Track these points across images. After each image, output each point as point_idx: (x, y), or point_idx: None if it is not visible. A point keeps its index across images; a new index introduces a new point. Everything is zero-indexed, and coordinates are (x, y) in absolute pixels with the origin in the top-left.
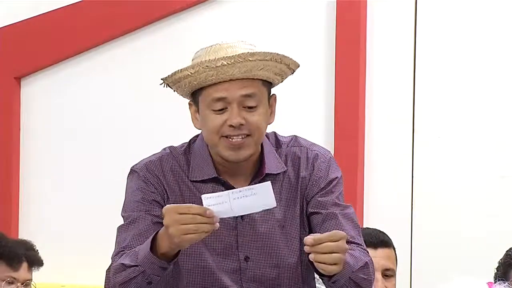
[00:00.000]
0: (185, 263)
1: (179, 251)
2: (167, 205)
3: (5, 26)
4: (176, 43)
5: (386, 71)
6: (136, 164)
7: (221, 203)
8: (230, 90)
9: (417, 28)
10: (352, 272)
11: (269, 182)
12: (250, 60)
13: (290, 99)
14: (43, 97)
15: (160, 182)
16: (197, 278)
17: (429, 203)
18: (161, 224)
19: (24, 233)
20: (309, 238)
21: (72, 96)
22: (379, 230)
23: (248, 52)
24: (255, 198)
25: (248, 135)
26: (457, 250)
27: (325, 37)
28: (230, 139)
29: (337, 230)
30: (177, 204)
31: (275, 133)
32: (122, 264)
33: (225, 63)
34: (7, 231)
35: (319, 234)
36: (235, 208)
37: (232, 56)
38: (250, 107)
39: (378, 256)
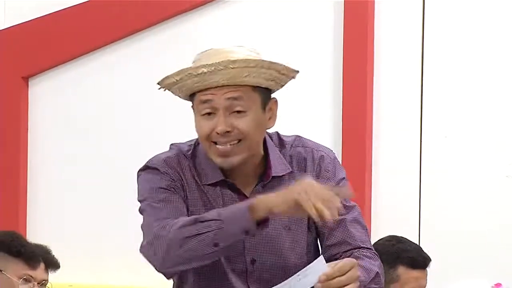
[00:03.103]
0: None
1: (264, 222)
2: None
3: (13, 26)
4: (184, 43)
5: (394, 72)
6: (152, 160)
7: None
8: (216, 94)
9: (425, 28)
10: (364, 286)
11: (321, 257)
12: (231, 68)
13: (297, 100)
14: (51, 97)
15: (181, 178)
16: (205, 277)
17: (436, 203)
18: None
19: (32, 233)
20: (322, 276)
21: (80, 96)
22: (421, 248)
23: (228, 60)
24: (314, 274)
25: (239, 140)
26: (465, 250)
27: (332, 37)
28: (218, 147)
29: (348, 259)
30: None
31: (277, 133)
32: (195, 219)
33: (205, 71)
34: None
35: (329, 268)
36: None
37: (212, 63)
38: (239, 112)
39: (423, 277)
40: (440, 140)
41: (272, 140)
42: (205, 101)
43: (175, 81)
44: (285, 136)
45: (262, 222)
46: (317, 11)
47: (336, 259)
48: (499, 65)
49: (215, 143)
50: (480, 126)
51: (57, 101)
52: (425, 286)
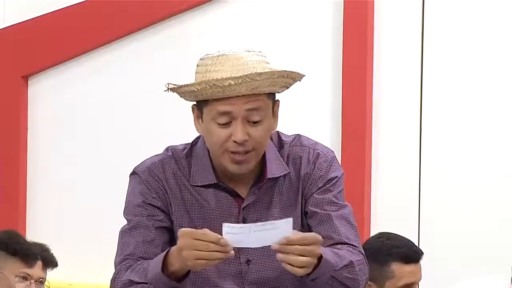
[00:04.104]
0: None
1: (189, 271)
2: (183, 229)
3: (12, 25)
4: (184, 43)
5: (393, 71)
6: (139, 165)
7: (241, 233)
8: (236, 104)
9: (425, 28)
10: (334, 270)
11: (291, 219)
12: (258, 80)
13: (297, 99)
14: (50, 96)
15: (162, 186)
16: (201, 278)
17: (436, 202)
18: (164, 228)
19: (31, 232)
20: (283, 239)
21: (80, 95)
22: (412, 242)
23: (256, 72)
24: (275, 232)
25: (251, 150)
26: (465, 250)
27: (332, 37)
28: (234, 155)
29: (313, 233)
30: (193, 229)
31: (278, 132)
32: (130, 280)
33: (233, 83)
34: None
35: (294, 234)
36: (253, 240)
37: (240, 76)
38: (255, 122)
39: (417, 271)
40: (440, 140)
41: (272, 141)
42: (224, 112)
43: (195, 90)
44: (286, 135)
45: (185, 274)
46: (317, 11)
47: None
48: (499, 64)
49: (229, 151)
50: (480, 126)
51: (57, 100)
52: (419, 280)
